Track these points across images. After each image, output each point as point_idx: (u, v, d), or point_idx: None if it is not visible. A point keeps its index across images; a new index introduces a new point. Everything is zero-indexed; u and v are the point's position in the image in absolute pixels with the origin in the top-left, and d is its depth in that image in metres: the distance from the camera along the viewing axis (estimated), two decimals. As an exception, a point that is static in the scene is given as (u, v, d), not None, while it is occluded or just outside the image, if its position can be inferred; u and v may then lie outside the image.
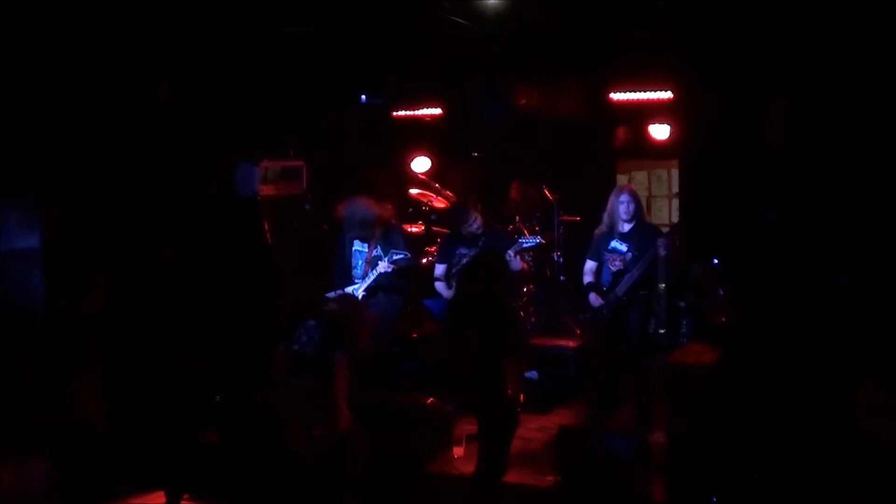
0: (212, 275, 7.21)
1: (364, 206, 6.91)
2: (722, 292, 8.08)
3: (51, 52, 5.99)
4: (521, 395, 6.39)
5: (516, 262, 6.92)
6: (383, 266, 6.77)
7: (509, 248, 6.82)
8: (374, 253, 6.93)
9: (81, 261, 6.25)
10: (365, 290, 6.91)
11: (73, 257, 6.29)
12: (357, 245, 7.02)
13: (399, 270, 6.85)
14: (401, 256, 6.81)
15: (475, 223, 7.02)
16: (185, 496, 5.69)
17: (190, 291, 7.04)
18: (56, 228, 6.27)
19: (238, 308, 7.22)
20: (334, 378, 5.63)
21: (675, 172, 9.27)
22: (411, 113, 9.03)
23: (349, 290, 6.94)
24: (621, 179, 9.36)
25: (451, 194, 8.86)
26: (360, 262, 6.94)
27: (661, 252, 6.44)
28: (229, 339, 7.05)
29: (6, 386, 5.93)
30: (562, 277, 8.78)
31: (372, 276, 6.85)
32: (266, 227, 7.72)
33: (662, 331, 8.34)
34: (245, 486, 5.54)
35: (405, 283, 7.09)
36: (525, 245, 6.87)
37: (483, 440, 5.80)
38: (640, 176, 9.48)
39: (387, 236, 6.99)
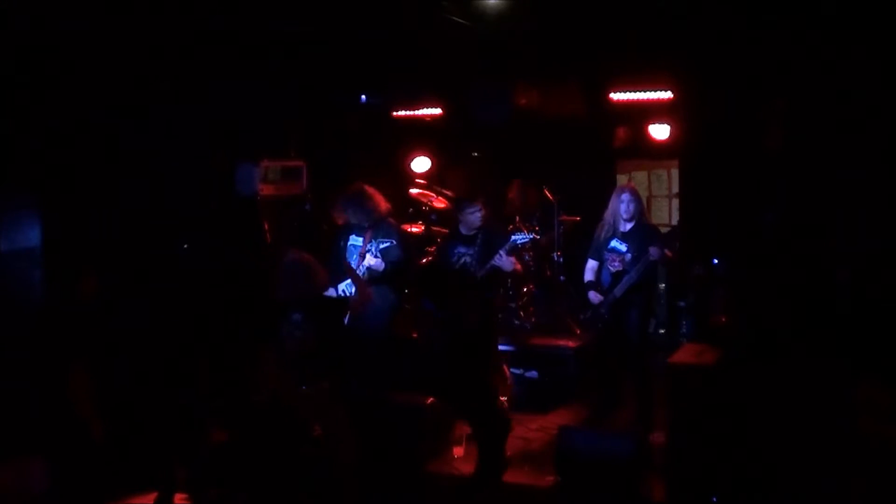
0: (211, 275, 7.20)
1: (365, 193, 6.89)
2: (722, 292, 8.10)
3: (50, 52, 5.99)
4: (504, 399, 6.40)
5: (506, 262, 6.82)
6: (371, 259, 6.72)
7: (500, 249, 6.77)
8: (368, 245, 6.89)
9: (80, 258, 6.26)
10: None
11: (74, 257, 6.29)
12: (353, 239, 6.97)
13: (390, 268, 6.80)
14: (387, 245, 6.74)
15: (478, 213, 6.90)
16: (186, 495, 5.69)
17: (189, 292, 7.03)
18: (56, 228, 6.27)
19: (237, 308, 7.21)
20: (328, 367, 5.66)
21: (675, 172, 9.29)
22: (411, 113, 9.01)
23: (342, 286, 6.90)
24: (621, 179, 9.38)
25: (450, 193, 8.84)
26: (354, 256, 6.89)
27: (652, 259, 6.44)
28: (228, 340, 7.04)
29: (7, 385, 5.94)
30: (562, 277, 8.78)
31: (363, 269, 6.80)
32: (266, 227, 7.72)
33: (662, 331, 8.39)
34: (246, 485, 5.55)
35: (397, 280, 7.01)
36: (519, 242, 6.77)
37: (478, 442, 5.82)
38: (640, 176, 9.49)
39: (379, 228, 6.87)
